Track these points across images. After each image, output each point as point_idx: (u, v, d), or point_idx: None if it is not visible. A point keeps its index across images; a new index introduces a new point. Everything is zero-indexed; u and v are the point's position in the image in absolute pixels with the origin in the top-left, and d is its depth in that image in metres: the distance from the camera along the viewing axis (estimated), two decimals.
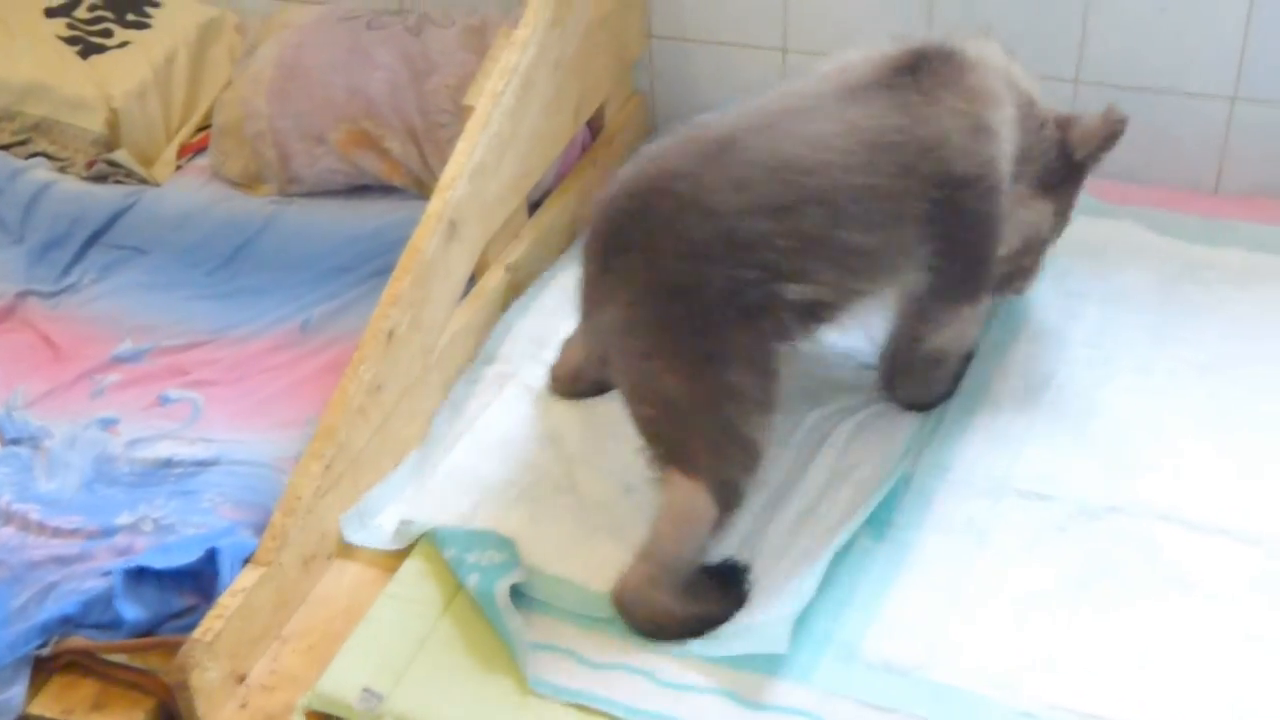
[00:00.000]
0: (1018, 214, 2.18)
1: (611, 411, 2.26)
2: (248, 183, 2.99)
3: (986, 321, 2.38)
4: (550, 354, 2.37)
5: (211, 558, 2.00)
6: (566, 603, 1.97)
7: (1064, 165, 2.22)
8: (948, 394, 2.26)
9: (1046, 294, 2.43)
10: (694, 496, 1.93)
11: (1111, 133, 2.21)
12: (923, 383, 2.25)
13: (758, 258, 1.92)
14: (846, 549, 2.00)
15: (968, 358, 2.30)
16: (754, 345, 1.94)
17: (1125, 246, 2.54)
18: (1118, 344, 2.32)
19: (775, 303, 1.94)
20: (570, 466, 2.20)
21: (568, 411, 2.30)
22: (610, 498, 2.14)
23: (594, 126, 2.92)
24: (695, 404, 1.93)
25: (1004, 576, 1.95)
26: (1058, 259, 2.47)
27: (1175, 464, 2.09)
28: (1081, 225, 2.50)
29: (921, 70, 2.06)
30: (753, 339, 1.94)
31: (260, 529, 2.05)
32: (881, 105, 2.03)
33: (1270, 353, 2.27)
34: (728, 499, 1.95)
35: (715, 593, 1.97)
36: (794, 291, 1.95)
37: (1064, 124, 2.21)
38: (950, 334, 2.19)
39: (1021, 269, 2.31)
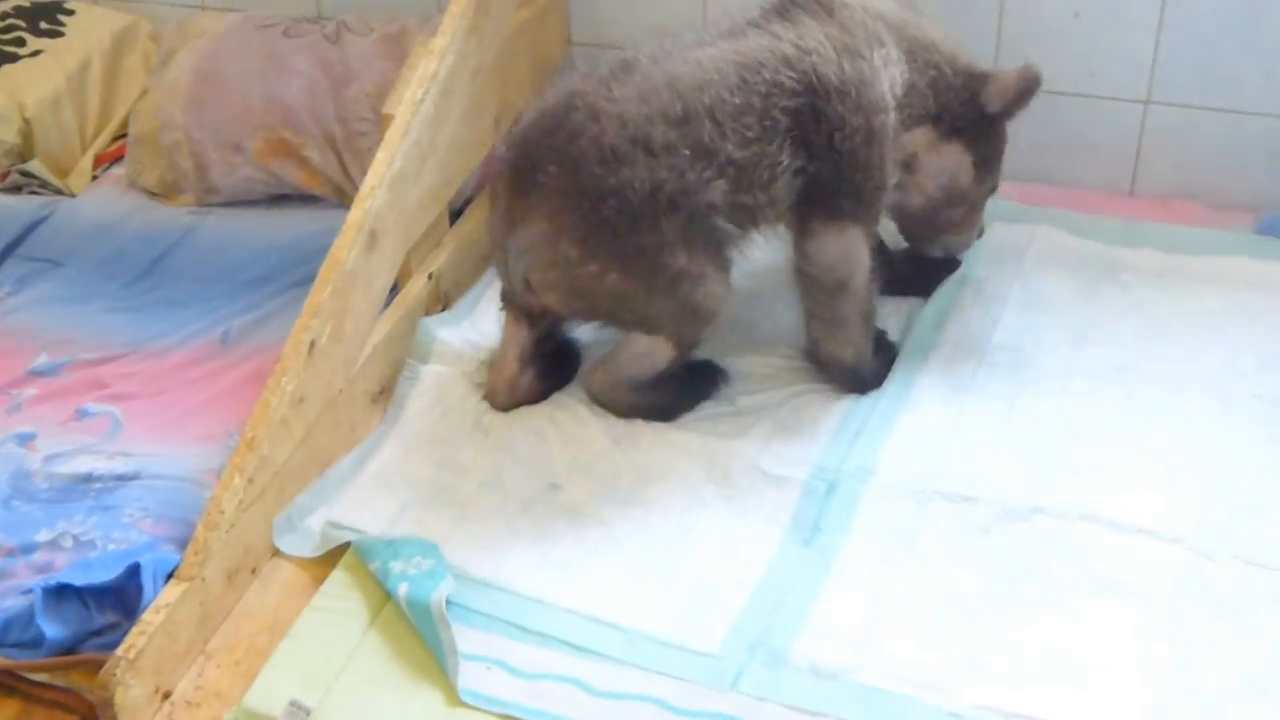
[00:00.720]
0: (930, 160, 2.30)
1: (540, 409, 2.29)
2: (165, 193, 2.96)
3: (909, 321, 2.40)
4: (486, 352, 2.38)
5: (133, 574, 1.98)
6: (492, 607, 1.97)
7: (976, 116, 2.30)
8: (872, 374, 2.29)
9: (966, 298, 2.46)
10: (655, 345, 2.22)
11: (1026, 89, 2.27)
12: (832, 325, 2.27)
13: (667, 163, 2.08)
14: (774, 554, 2.02)
15: (887, 350, 2.33)
16: (685, 230, 2.10)
17: (1044, 250, 2.56)
18: (1038, 347, 2.35)
19: (688, 202, 2.10)
20: (498, 464, 2.20)
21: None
22: (536, 495, 2.15)
23: None
24: (647, 292, 2.15)
25: (930, 579, 1.96)
26: (976, 265, 2.51)
27: (1097, 465, 2.11)
28: (1000, 229, 2.55)
29: (790, 8, 2.24)
30: (681, 225, 2.10)
31: (183, 544, 2.02)
32: (753, 37, 2.21)
33: (1187, 353, 2.30)
34: (686, 346, 2.24)
35: (675, 386, 2.27)
36: (697, 198, 2.10)
37: (979, 79, 2.29)
38: (836, 252, 2.22)
39: (951, 222, 2.38)
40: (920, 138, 2.30)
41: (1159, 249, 2.51)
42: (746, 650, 1.88)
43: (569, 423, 2.27)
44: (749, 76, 2.14)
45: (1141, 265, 2.47)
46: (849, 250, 2.23)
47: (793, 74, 2.15)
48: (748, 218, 2.19)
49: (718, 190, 2.12)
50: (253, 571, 2.08)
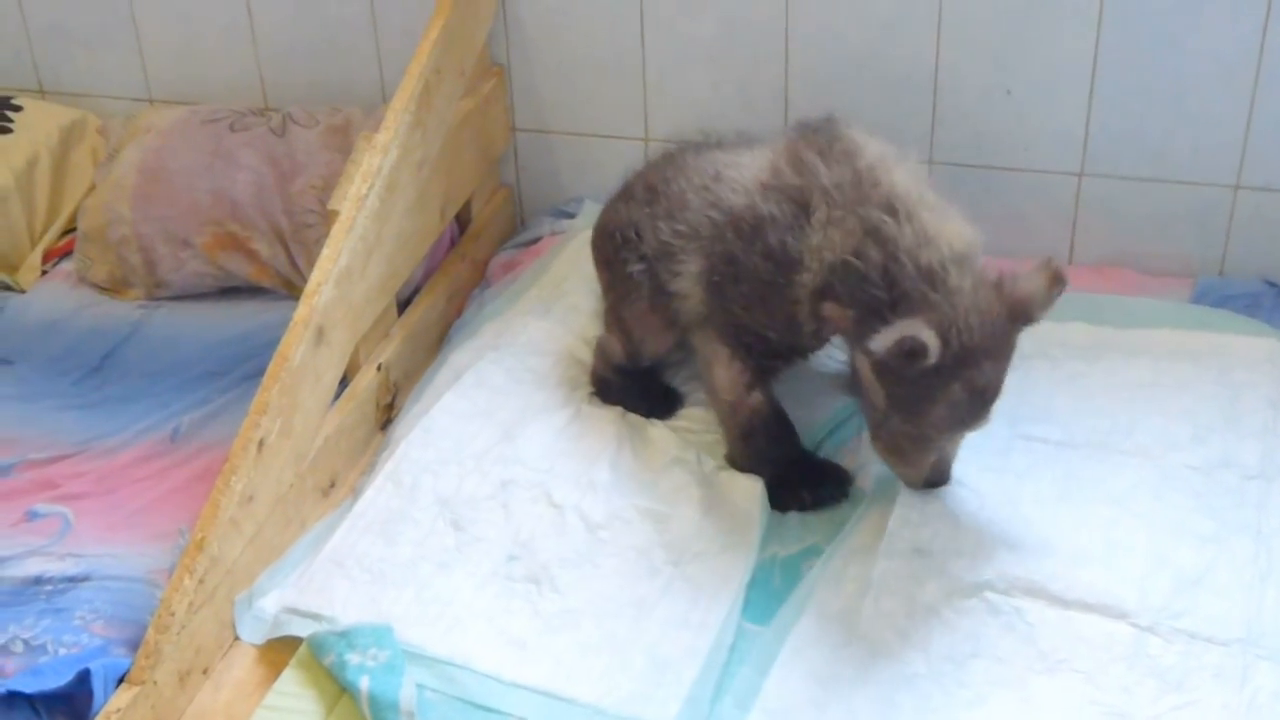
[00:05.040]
0: (853, 352, 2.14)
1: (494, 478, 2.30)
2: (114, 288, 2.97)
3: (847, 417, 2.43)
4: (436, 437, 2.39)
5: (84, 679, 1.98)
6: (449, 685, 1.98)
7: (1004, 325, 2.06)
8: (764, 479, 2.29)
9: None
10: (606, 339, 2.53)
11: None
12: (724, 430, 2.37)
13: (630, 214, 2.43)
14: (725, 621, 2.05)
15: (818, 480, 2.32)
16: (625, 268, 2.43)
17: None
18: None
19: (626, 244, 2.43)
20: (457, 539, 2.21)
21: (453, 482, 2.31)
22: (494, 568, 2.16)
23: (461, 220, 2.94)
24: (607, 290, 2.54)
25: (879, 660, 1.97)
26: None
27: (1039, 541, 2.11)
28: None
29: (798, 133, 2.29)
30: (621, 253, 2.44)
31: (134, 646, 2.03)
32: (752, 151, 2.34)
33: (1120, 425, 2.32)
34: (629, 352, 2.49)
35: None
36: (637, 243, 2.41)
37: (999, 285, 2.07)
38: (701, 361, 2.37)
39: (877, 435, 2.18)
40: (831, 311, 2.13)
41: (1086, 321, 2.52)
42: None
43: (524, 494, 2.28)
44: (709, 183, 2.31)
45: (1070, 339, 2.47)
46: (711, 361, 2.33)
47: (727, 193, 2.27)
48: (662, 287, 2.36)
49: (643, 246, 2.40)
50: (205, 672, 2.08)
